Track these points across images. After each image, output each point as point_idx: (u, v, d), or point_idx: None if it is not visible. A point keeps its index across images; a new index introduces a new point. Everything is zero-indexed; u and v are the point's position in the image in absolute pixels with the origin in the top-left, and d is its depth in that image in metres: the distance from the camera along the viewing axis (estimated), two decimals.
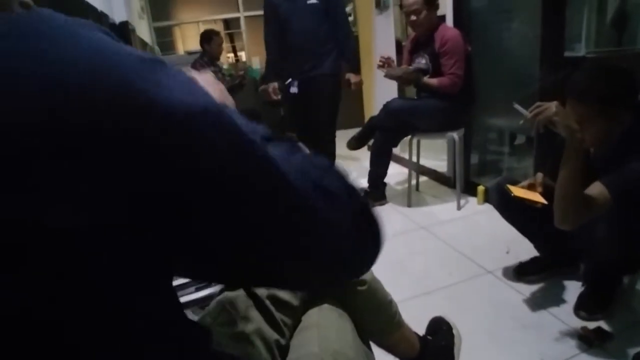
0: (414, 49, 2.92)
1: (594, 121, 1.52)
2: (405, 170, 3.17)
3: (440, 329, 1.31)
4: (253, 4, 6.72)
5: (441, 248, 2.45)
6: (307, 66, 3.17)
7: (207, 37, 4.56)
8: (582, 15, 4.09)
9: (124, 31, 2.78)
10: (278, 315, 0.86)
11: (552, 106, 1.45)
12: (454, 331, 1.31)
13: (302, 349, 0.82)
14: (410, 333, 1.18)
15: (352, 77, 3.32)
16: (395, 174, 3.42)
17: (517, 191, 1.75)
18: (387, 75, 2.80)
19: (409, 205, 3.00)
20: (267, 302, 0.87)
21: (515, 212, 1.94)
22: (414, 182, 3.31)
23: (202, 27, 6.33)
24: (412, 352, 1.16)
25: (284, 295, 0.89)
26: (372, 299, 1.02)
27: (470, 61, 2.69)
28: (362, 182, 3.17)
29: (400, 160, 3.60)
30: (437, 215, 2.74)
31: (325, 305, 0.92)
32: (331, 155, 3.35)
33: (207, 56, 4.63)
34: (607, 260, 1.71)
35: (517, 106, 1.60)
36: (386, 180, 3.10)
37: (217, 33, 4.65)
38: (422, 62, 2.80)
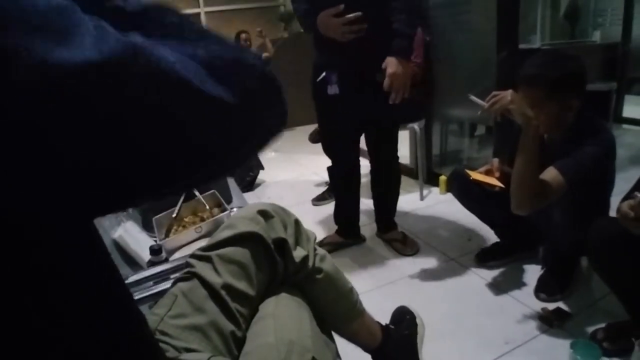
0: None
1: (545, 106, 1.55)
2: (368, 164, 3.16)
3: (404, 319, 1.30)
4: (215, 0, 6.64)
5: None
6: None
7: None
8: (536, 9, 4.21)
9: None
10: (234, 306, 0.83)
11: (508, 95, 1.48)
12: (418, 320, 1.31)
13: (258, 339, 0.79)
14: (372, 322, 1.16)
15: None
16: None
17: (475, 175, 1.77)
18: None
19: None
20: (223, 293, 0.83)
21: (474, 200, 1.97)
22: None
23: None
24: (374, 341, 1.14)
25: (240, 285, 0.85)
26: (330, 287, 1.00)
27: (429, 51, 2.70)
28: (325, 175, 3.15)
29: (362, 154, 3.58)
30: (401, 206, 2.73)
31: (283, 294, 0.89)
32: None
33: None
34: (565, 244, 1.75)
35: (472, 98, 1.62)
36: None
37: None
38: None
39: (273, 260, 0.90)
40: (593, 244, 1.43)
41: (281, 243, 0.91)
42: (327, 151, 2.39)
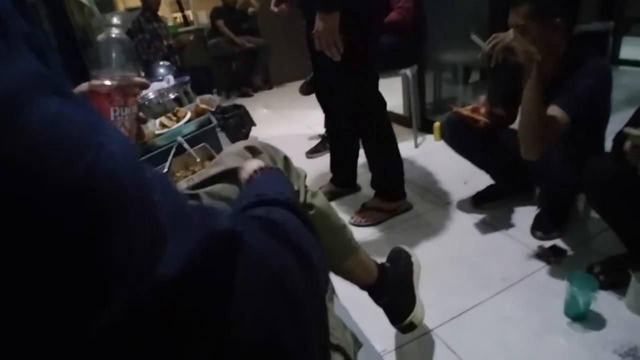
0: None
1: (531, 27, 1.50)
2: None
3: (400, 257, 1.29)
4: None
5: None
6: None
7: None
8: None
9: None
10: None
11: (510, 33, 1.46)
12: (413, 259, 1.30)
13: None
14: (368, 259, 1.15)
15: None
16: None
17: (460, 110, 1.75)
18: None
19: None
20: None
21: (467, 145, 1.96)
22: None
23: None
24: (370, 278, 1.14)
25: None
26: (323, 223, 0.98)
27: None
28: (318, 129, 3.12)
29: None
30: None
31: None
32: None
33: (148, 11, 4.38)
34: (560, 182, 1.73)
35: (474, 37, 1.58)
36: None
37: None
38: None
39: None
40: (590, 180, 1.41)
41: None
42: (320, 101, 2.33)
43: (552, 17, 1.50)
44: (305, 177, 1.00)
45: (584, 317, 1.39)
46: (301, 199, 0.93)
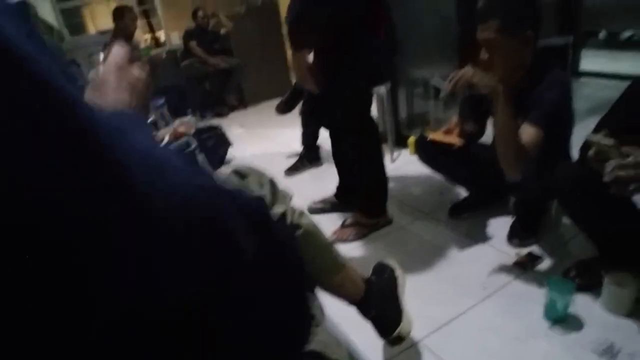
0: None
1: (500, 41, 1.56)
2: None
3: (384, 271, 1.32)
4: None
5: None
6: None
7: (119, 13, 4.29)
8: None
9: (22, 13, 2.52)
10: None
11: (468, 70, 1.47)
12: (397, 272, 1.33)
13: None
14: (355, 274, 1.18)
15: None
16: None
17: (434, 135, 1.79)
18: None
19: None
20: None
21: (441, 164, 2.03)
22: None
23: (114, 5, 5.90)
24: (358, 293, 1.17)
25: None
26: (311, 242, 1.01)
27: (390, 10, 2.68)
28: (294, 147, 3.15)
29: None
30: None
31: None
32: None
33: (120, 34, 4.35)
34: (533, 190, 1.80)
35: (435, 80, 1.60)
36: (320, 142, 3.09)
37: (129, 9, 4.40)
38: None
39: None
40: (560, 187, 1.47)
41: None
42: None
43: (523, 30, 1.58)
44: (291, 198, 1.03)
45: (564, 320, 1.44)
46: (288, 219, 0.96)
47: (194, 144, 2.03)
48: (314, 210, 2.40)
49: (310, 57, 1.85)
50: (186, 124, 2.19)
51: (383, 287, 1.25)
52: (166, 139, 2.11)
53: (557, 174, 1.47)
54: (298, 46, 1.77)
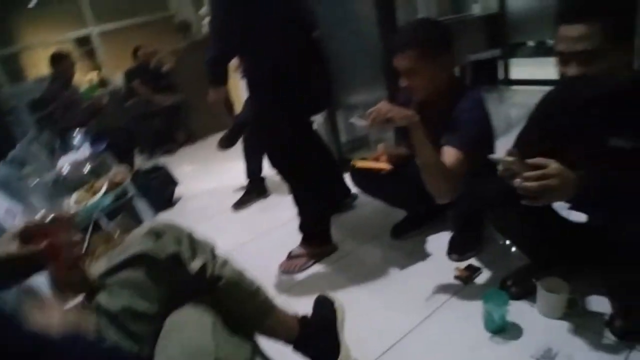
0: None
1: (421, 67, 1.64)
2: None
3: (323, 306, 1.34)
4: (103, 19, 6.32)
5: None
6: None
7: (57, 59, 4.22)
8: None
9: None
10: (135, 328, 0.82)
11: (382, 107, 1.49)
12: (336, 305, 1.35)
13: (162, 354, 0.79)
14: (286, 315, 1.19)
15: None
16: None
17: (361, 163, 1.82)
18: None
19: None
20: (122, 318, 0.82)
21: (376, 190, 2.09)
22: None
23: (53, 49, 5.78)
24: (292, 333, 1.18)
25: (140, 306, 0.85)
26: (234, 291, 1.02)
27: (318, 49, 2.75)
28: (243, 180, 3.16)
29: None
30: None
31: (187, 306, 0.90)
32: None
33: (59, 79, 4.27)
34: (465, 205, 1.86)
35: (354, 120, 1.60)
36: (266, 172, 3.10)
37: (67, 54, 4.33)
38: None
39: (170, 275, 0.90)
40: (484, 202, 1.54)
41: (175, 257, 0.92)
42: None
43: (440, 55, 1.66)
44: (213, 248, 1.04)
45: (503, 330, 1.49)
46: (208, 272, 0.97)
47: (130, 192, 2.01)
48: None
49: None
50: (121, 172, 2.17)
51: (321, 323, 1.26)
52: (103, 189, 2.08)
53: (479, 190, 1.53)
54: (215, 83, 1.87)
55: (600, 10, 1.16)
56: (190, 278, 0.93)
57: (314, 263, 2.12)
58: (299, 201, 2.12)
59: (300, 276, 2.07)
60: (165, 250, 0.91)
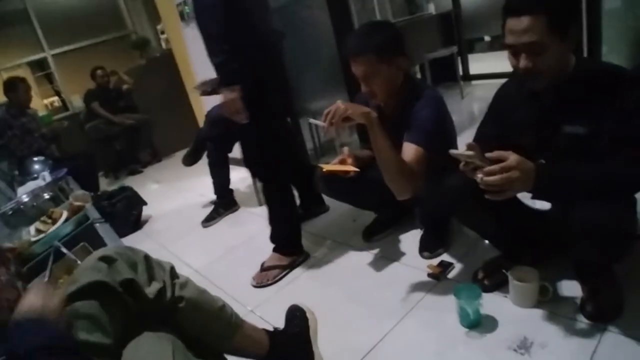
0: None
1: (378, 70, 1.65)
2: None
3: (294, 317, 1.31)
4: (58, 41, 6.16)
5: None
6: None
7: (11, 86, 4.07)
8: None
9: None
10: None
11: (339, 105, 1.49)
12: (308, 315, 1.33)
13: None
14: (254, 331, 1.16)
15: None
16: (243, 177, 3.40)
17: (328, 167, 1.82)
18: (202, 94, 2.78)
19: (260, 204, 2.99)
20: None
21: (342, 193, 2.08)
22: None
23: (7, 75, 5.58)
24: (262, 349, 1.15)
25: (93, 337, 0.81)
26: (197, 312, 0.99)
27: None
28: (211, 196, 3.11)
29: (242, 163, 3.56)
30: None
31: (145, 334, 0.86)
32: None
33: (14, 107, 4.12)
34: (431, 202, 1.87)
35: (312, 121, 1.63)
36: (234, 185, 3.07)
37: (22, 79, 4.18)
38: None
39: (124, 303, 0.86)
40: (448, 198, 1.54)
41: (129, 284, 0.88)
42: None
43: (395, 56, 1.67)
44: (172, 269, 1.00)
45: (478, 324, 1.49)
46: (168, 294, 0.93)
47: (92, 218, 1.94)
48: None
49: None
50: (81, 197, 2.09)
51: (292, 335, 1.23)
52: (64, 215, 2.00)
53: (445, 185, 1.54)
54: (228, 84, 1.86)
55: (545, 1, 1.18)
56: (149, 302, 0.89)
57: (287, 273, 2.09)
58: (272, 208, 2.12)
59: (273, 288, 2.03)
60: (118, 277, 0.87)
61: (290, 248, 2.13)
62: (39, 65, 6.94)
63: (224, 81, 1.88)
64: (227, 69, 1.85)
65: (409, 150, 1.60)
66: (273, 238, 2.15)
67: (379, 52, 1.63)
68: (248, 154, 2.14)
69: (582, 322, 1.38)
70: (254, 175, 2.24)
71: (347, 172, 1.76)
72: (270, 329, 1.30)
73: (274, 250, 2.15)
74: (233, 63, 1.82)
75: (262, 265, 2.13)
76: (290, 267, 2.11)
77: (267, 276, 2.06)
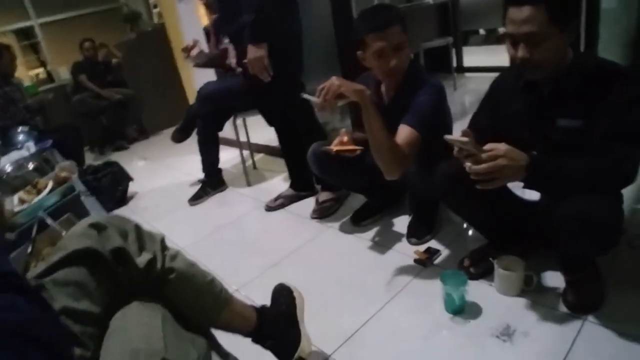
0: (219, 30, 2.87)
1: (404, 41, 1.67)
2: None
3: (281, 295, 1.31)
4: (46, 9, 6.01)
5: (285, 217, 2.51)
6: None
7: None
8: None
9: None
10: (77, 329, 0.77)
11: (333, 81, 1.48)
12: (295, 293, 1.32)
13: (107, 356, 0.74)
14: (243, 307, 1.16)
15: None
16: (231, 157, 3.37)
17: (336, 148, 1.80)
18: (195, 65, 2.73)
19: (249, 185, 2.99)
20: (62, 318, 0.76)
21: (334, 174, 2.08)
22: (250, 161, 3.31)
23: None
24: (249, 325, 1.15)
25: (81, 305, 0.80)
26: (187, 284, 0.98)
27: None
28: (199, 174, 3.08)
29: (232, 143, 3.54)
30: (276, 188, 2.77)
31: (133, 304, 0.85)
32: None
33: None
34: (421, 189, 1.88)
35: (305, 96, 1.59)
36: (222, 165, 3.04)
37: (7, 47, 4.06)
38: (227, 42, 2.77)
39: (113, 271, 0.85)
40: (439, 184, 1.55)
41: (119, 252, 0.86)
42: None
43: (407, 35, 1.69)
44: (163, 240, 0.99)
45: (463, 310, 1.51)
46: (158, 264, 0.92)
47: (78, 189, 1.91)
48: (273, 208, 2.56)
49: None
50: (67, 167, 2.06)
51: (279, 313, 1.23)
52: (49, 187, 1.97)
53: (436, 172, 1.54)
54: (257, 41, 1.97)
55: None
56: (139, 273, 0.88)
57: (340, 206, 2.41)
58: (295, 158, 2.41)
59: (261, 268, 2.02)
60: (108, 245, 0.85)
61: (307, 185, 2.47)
62: (25, 34, 6.77)
63: (254, 38, 1.97)
64: (258, 28, 1.94)
65: (404, 132, 1.60)
66: (316, 181, 2.46)
67: (403, 25, 1.66)
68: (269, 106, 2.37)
69: (564, 312, 1.41)
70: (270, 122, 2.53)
71: (354, 151, 1.74)
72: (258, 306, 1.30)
73: (322, 189, 2.42)
74: (266, 20, 1.93)
75: (317, 200, 2.40)
76: (342, 200, 2.40)
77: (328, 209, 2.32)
